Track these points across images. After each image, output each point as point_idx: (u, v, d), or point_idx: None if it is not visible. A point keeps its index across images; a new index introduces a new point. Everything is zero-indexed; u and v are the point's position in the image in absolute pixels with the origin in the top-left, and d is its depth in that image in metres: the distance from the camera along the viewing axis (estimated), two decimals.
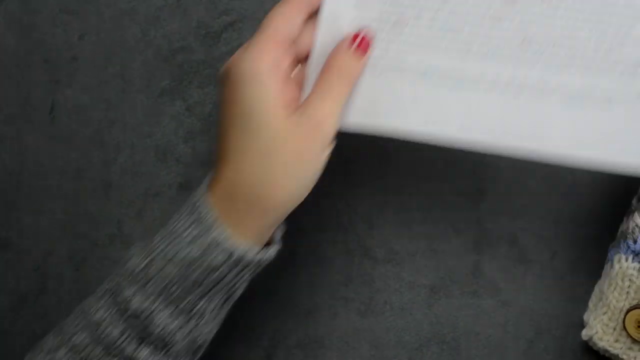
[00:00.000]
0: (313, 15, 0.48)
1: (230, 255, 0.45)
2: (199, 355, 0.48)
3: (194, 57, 0.60)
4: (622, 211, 0.57)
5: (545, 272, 0.57)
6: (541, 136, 0.47)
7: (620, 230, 0.54)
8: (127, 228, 0.61)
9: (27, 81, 0.61)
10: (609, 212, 0.57)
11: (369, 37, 0.47)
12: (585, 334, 0.54)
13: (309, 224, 0.57)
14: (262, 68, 0.44)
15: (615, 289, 0.52)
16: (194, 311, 0.45)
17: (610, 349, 0.53)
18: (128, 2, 0.60)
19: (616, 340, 0.53)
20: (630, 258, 0.52)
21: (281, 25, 0.46)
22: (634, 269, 0.52)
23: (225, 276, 0.45)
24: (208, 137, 0.60)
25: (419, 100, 0.48)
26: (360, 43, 0.47)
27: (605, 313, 0.53)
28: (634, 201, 0.54)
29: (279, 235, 0.48)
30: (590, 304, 0.55)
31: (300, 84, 0.47)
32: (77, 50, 0.61)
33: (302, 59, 0.48)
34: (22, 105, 0.61)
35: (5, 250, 0.62)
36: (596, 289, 0.55)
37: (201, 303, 0.45)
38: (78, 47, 0.61)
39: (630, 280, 0.52)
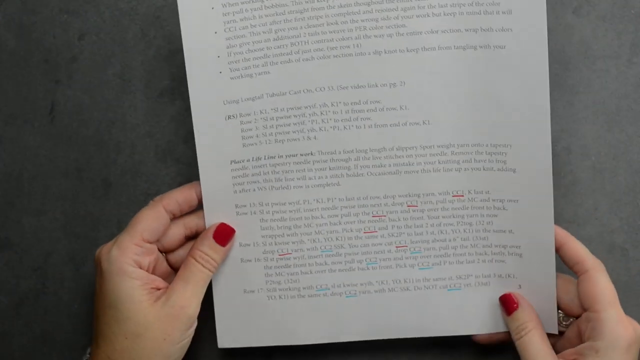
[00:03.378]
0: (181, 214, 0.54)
1: None
2: None
3: None
4: (622, 210, 0.57)
5: None
6: (429, 320, 0.54)
7: None
8: None
9: (27, 81, 0.61)
10: (609, 212, 0.57)
11: (229, 230, 0.54)
12: None
13: None
14: (125, 265, 0.50)
15: None
16: None
17: None
18: (128, 2, 0.60)
19: None
20: None
21: (145, 227, 0.52)
22: None
23: None
24: None
25: (320, 314, 0.55)
26: (220, 234, 0.53)
27: None
28: None
29: None
30: None
31: (166, 272, 0.54)
32: (77, 50, 0.61)
33: (169, 250, 0.54)
34: (22, 105, 0.61)
35: (5, 250, 0.62)
36: None
37: None
38: (78, 47, 0.61)
39: None
